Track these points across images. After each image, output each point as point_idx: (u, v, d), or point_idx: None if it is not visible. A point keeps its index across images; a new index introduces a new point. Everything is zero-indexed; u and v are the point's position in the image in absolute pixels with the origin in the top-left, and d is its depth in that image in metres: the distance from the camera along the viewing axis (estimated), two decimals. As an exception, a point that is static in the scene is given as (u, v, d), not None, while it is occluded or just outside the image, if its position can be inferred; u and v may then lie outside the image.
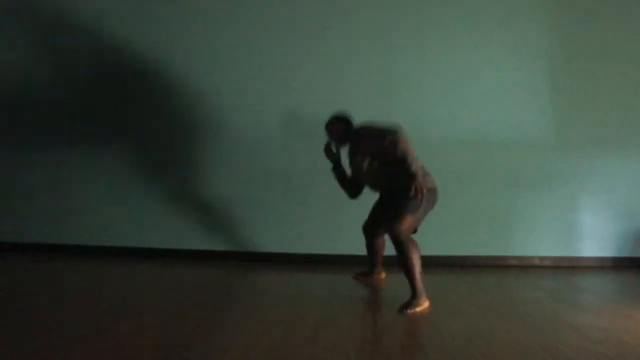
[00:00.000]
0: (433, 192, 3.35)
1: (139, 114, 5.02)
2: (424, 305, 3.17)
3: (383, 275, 4.02)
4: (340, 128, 3.66)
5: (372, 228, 3.84)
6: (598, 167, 4.68)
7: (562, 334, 2.64)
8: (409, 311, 3.09)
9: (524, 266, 4.64)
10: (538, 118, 4.73)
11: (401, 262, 3.25)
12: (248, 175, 4.88)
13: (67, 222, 5.08)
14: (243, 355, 2.32)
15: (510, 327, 2.81)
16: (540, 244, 4.70)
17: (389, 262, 4.66)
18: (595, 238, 4.68)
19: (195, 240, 4.92)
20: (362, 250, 4.72)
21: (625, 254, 4.68)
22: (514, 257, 4.71)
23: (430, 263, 4.66)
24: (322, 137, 4.81)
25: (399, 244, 3.23)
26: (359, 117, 4.84)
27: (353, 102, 4.82)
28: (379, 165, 3.43)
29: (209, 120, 4.93)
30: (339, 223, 4.77)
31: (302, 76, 4.84)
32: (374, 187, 3.67)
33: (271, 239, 4.85)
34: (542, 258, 4.71)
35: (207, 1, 4.96)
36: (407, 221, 3.25)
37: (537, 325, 2.80)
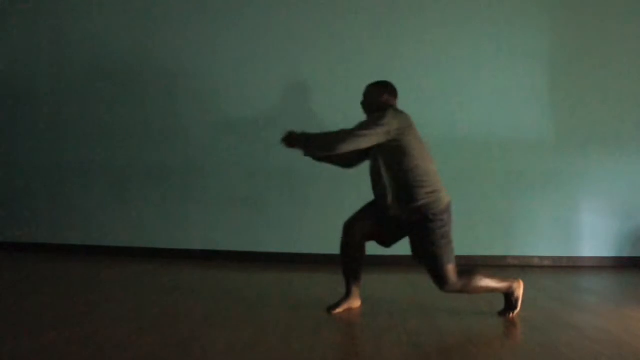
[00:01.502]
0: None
1: (139, 114, 5.01)
2: (520, 292, 2.97)
3: (359, 302, 3.26)
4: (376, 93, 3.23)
5: (362, 240, 3.23)
6: (598, 167, 4.68)
7: (562, 334, 2.65)
8: (513, 314, 2.95)
9: (524, 266, 4.63)
10: (538, 118, 4.73)
11: (478, 292, 2.95)
12: (248, 175, 4.88)
13: (67, 222, 5.08)
14: (243, 355, 2.32)
15: (510, 327, 2.81)
16: (540, 244, 4.70)
17: (385, 262, 4.67)
18: (595, 238, 4.68)
19: (196, 240, 4.92)
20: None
21: (625, 253, 4.68)
22: (514, 257, 4.71)
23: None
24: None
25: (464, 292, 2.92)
26: (359, 118, 4.85)
27: (353, 103, 4.83)
28: (384, 159, 3.01)
29: (208, 120, 4.93)
30: (339, 223, 4.76)
31: (302, 76, 4.84)
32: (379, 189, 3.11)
33: (271, 239, 4.84)
34: (542, 258, 4.71)
35: (211, 4, 4.96)
36: (452, 269, 2.83)
37: (536, 325, 2.80)
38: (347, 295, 3.22)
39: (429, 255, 2.86)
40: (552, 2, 4.74)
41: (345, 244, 3.24)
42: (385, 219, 3.09)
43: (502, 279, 2.98)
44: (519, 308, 2.99)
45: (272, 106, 4.86)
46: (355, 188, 4.77)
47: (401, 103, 4.80)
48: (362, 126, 2.93)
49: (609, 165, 4.67)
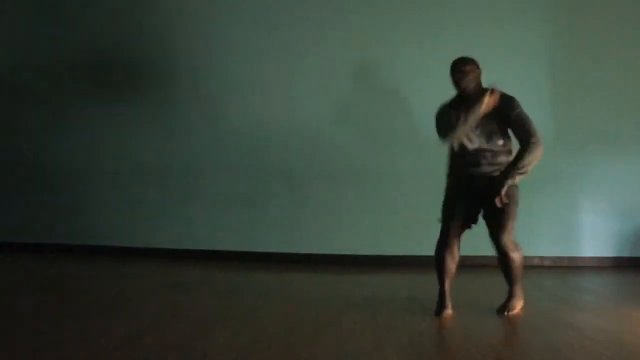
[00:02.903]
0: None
1: (140, 114, 5.01)
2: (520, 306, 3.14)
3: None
4: (476, 73, 3.25)
5: (458, 233, 3.28)
6: (598, 166, 4.67)
7: (562, 333, 2.64)
8: (509, 313, 3.04)
9: (524, 266, 4.61)
10: (538, 118, 4.68)
11: (510, 269, 3.18)
12: (248, 175, 4.87)
13: (67, 222, 5.07)
14: (243, 355, 2.32)
15: (511, 327, 2.81)
16: (540, 244, 4.70)
17: (385, 262, 4.67)
18: (595, 238, 4.68)
19: (196, 240, 4.92)
20: (361, 250, 4.74)
21: (625, 253, 4.68)
22: (514, 257, 4.69)
23: (430, 263, 4.65)
24: (322, 135, 4.83)
25: (508, 255, 3.14)
26: (361, 117, 4.85)
27: (353, 103, 4.83)
28: (493, 131, 3.14)
29: (209, 121, 4.93)
30: (339, 223, 4.77)
31: (303, 76, 4.83)
32: (469, 154, 3.15)
33: (271, 239, 4.84)
34: (542, 258, 4.70)
35: (211, 3, 4.95)
36: (513, 230, 3.13)
37: (537, 325, 2.80)
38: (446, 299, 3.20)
39: (503, 213, 3.14)
40: (552, 2, 4.74)
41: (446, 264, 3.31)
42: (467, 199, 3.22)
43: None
44: (516, 310, 3.06)
45: (273, 106, 4.86)
46: (354, 188, 4.78)
47: (401, 104, 4.82)
48: (530, 123, 3.21)
49: (609, 165, 4.67)
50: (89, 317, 2.91)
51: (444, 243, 3.26)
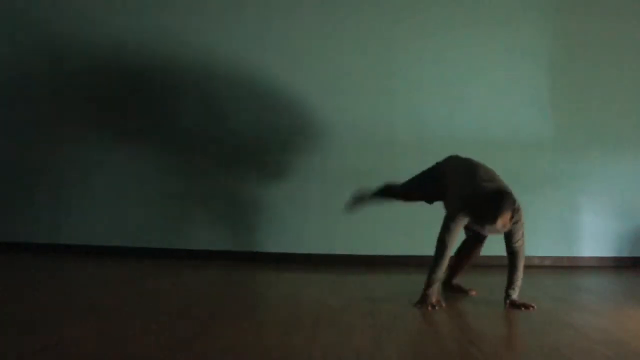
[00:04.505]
0: None
1: (139, 114, 5.01)
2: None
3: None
4: None
5: None
6: (598, 167, 4.68)
7: (562, 334, 2.64)
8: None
9: (524, 266, 4.62)
10: (538, 118, 4.73)
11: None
12: (248, 175, 4.88)
13: (67, 222, 5.07)
14: (243, 355, 2.32)
15: (510, 327, 2.82)
16: (540, 244, 4.70)
17: (385, 262, 4.67)
18: (595, 238, 4.68)
19: (196, 240, 4.92)
20: (361, 250, 4.74)
21: (625, 253, 4.68)
22: (514, 257, 4.69)
23: (429, 263, 4.65)
24: (322, 135, 4.83)
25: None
26: (360, 117, 4.85)
27: (353, 102, 4.83)
28: None
29: (209, 121, 4.93)
30: (339, 223, 4.77)
31: (302, 76, 4.83)
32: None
33: (271, 239, 4.84)
34: (542, 258, 4.70)
35: (212, 1, 4.95)
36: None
37: (537, 325, 2.80)
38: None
39: None
40: (552, 2, 4.74)
41: None
42: None
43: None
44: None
45: (272, 108, 4.86)
46: (354, 188, 4.78)
47: (402, 103, 4.82)
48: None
49: (609, 165, 4.67)
50: (88, 317, 2.91)
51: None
